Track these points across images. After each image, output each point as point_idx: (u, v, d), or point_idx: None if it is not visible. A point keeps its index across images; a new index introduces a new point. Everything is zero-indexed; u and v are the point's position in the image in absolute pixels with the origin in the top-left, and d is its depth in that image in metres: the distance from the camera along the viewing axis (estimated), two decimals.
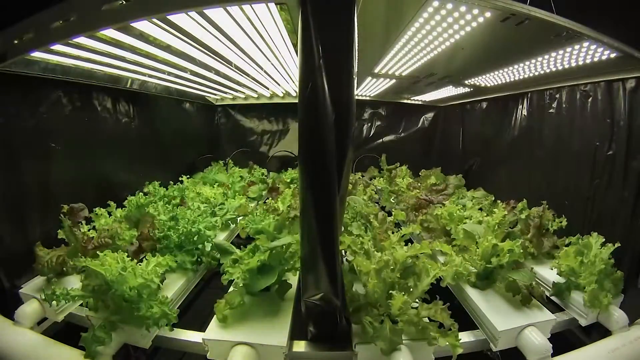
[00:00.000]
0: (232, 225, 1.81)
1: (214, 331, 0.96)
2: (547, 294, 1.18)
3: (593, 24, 1.09)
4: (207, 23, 1.11)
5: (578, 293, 1.13)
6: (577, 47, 1.24)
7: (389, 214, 1.65)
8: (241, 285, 1.04)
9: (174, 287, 1.19)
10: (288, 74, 2.06)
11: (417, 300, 1.00)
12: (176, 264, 1.26)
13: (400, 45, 1.41)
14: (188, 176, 2.44)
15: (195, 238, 1.38)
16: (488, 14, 1.03)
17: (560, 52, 1.31)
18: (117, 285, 0.95)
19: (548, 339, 0.97)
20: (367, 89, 2.60)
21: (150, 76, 1.95)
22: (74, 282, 1.16)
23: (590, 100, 1.57)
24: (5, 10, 1.04)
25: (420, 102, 3.17)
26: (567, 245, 1.31)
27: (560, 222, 1.50)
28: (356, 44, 0.69)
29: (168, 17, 1.02)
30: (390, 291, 0.94)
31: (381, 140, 3.27)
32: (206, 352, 0.94)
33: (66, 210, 1.30)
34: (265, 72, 1.97)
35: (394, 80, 2.15)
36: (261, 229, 1.49)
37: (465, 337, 1.01)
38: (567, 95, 1.71)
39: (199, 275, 1.36)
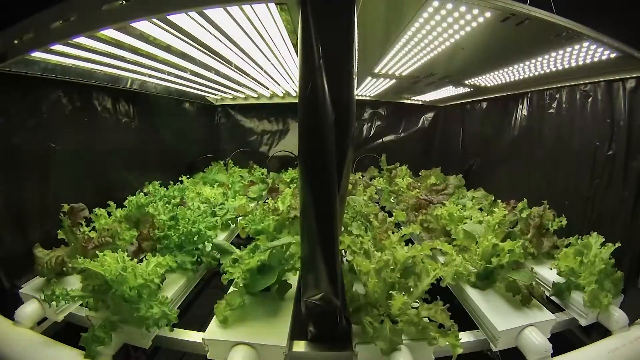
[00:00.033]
0: (232, 225, 1.81)
1: (213, 331, 0.96)
2: (547, 294, 1.18)
3: (593, 24, 1.09)
4: (207, 23, 1.11)
5: (578, 293, 1.13)
6: (577, 47, 1.24)
7: (390, 214, 1.65)
8: (241, 285, 1.04)
9: (174, 287, 1.19)
10: (288, 74, 2.06)
11: (417, 300, 1.00)
12: (176, 264, 1.26)
13: (400, 45, 1.41)
14: (188, 176, 2.44)
15: (195, 238, 1.38)
16: (488, 14, 1.03)
17: (560, 52, 1.31)
18: (117, 285, 0.95)
19: (548, 339, 0.97)
20: (367, 89, 2.60)
21: (150, 76, 1.95)
22: (74, 282, 1.16)
23: (590, 100, 1.57)
24: (5, 10, 1.04)
25: (420, 102, 3.17)
26: (566, 246, 1.31)
27: (560, 221, 1.50)
28: (356, 44, 0.69)
29: (168, 17, 1.02)
30: (390, 291, 0.94)
31: (381, 140, 3.27)
32: (206, 352, 0.94)
33: (66, 209, 1.30)
34: (265, 72, 1.97)
35: (394, 80, 2.15)
36: (261, 229, 1.49)
37: (465, 337, 1.01)
38: (567, 95, 1.71)
39: (199, 275, 1.36)
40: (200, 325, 1.01)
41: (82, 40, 1.18)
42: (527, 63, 1.54)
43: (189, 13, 1.00)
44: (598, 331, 1.14)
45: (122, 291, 0.95)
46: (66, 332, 1.07)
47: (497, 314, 1.05)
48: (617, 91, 1.42)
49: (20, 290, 1.13)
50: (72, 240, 1.24)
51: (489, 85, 2.12)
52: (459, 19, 1.09)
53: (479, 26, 1.11)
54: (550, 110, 1.82)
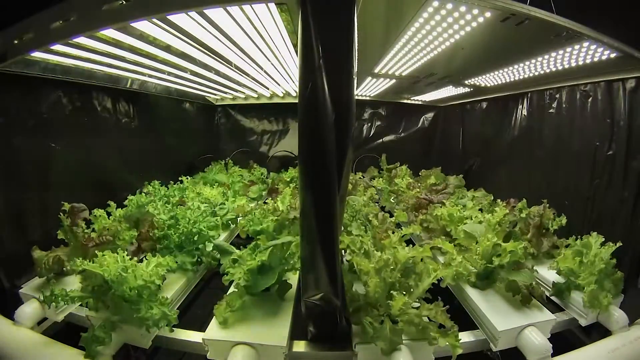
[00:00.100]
0: (232, 226, 1.81)
1: (214, 331, 0.96)
2: (547, 294, 1.18)
3: (593, 24, 1.09)
4: (207, 23, 1.11)
5: (578, 293, 1.13)
6: (577, 47, 1.24)
7: (390, 214, 1.65)
8: (242, 286, 1.04)
9: (174, 288, 1.19)
10: (288, 74, 2.06)
11: (417, 300, 1.00)
12: (176, 265, 1.26)
13: (400, 45, 1.41)
14: (187, 177, 2.43)
15: (195, 238, 1.38)
16: (488, 14, 1.03)
17: (560, 52, 1.31)
18: (117, 285, 0.95)
19: (548, 339, 0.97)
20: (367, 89, 2.60)
21: (150, 76, 1.95)
22: (73, 282, 1.15)
23: (590, 100, 1.57)
24: (5, 10, 1.04)
25: (420, 102, 3.17)
26: (566, 247, 1.31)
27: (560, 221, 1.50)
28: (356, 44, 0.69)
29: (168, 17, 1.02)
30: (391, 291, 0.94)
31: (381, 140, 3.27)
32: (206, 352, 0.94)
33: (67, 208, 1.30)
34: (265, 72, 1.97)
35: (394, 80, 2.15)
36: (261, 229, 1.49)
37: (465, 337, 1.01)
38: (567, 95, 1.71)
39: (199, 276, 1.36)
40: (200, 325, 1.01)
41: (82, 40, 1.18)
42: (527, 63, 1.54)
43: (189, 13, 1.00)
44: (598, 331, 1.14)
45: (122, 291, 0.95)
46: (66, 332, 1.07)
47: (497, 314, 1.05)
48: (617, 91, 1.42)
49: (20, 290, 1.13)
50: (72, 240, 1.24)
51: (489, 85, 2.12)
52: (459, 19, 1.09)
53: (479, 26, 1.11)
54: (550, 110, 1.82)
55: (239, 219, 1.77)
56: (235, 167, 2.97)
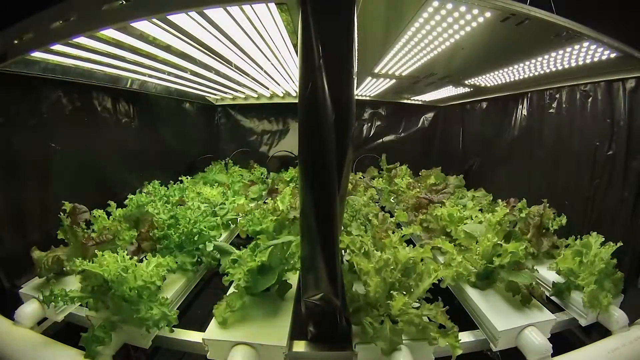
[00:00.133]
0: (232, 226, 1.81)
1: (213, 331, 0.96)
2: (547, 294, 1.18)
3: (593, 24, 1.09)
4: (207, 23, 1.11)
5: (578, 293, 1.13)
6: (577, 47, 1.24)
7: (390, 214, 1.65)
8: (242, 286, 1.04)
9: (174, 288, 1.19)
10: (288, 74, 2.06)
11: (417, 300, 1.00)
12: (176, 265, 1.26)
13: (400, 45, 1.41)
14: (187, 177, 2.43)
15: (196, 238, 1.37)
16: (488, 14, 1.03)
17: (560, 52, 1.31)
18: (117, 285, 0.94)
19: (548, 339, 0.97)
20: (367, 89, 2.60)
21: (150, 76, 1.95)
22: (73, 282, 1.15)
23: (590, 100, 1.57)
24: (5, 10, 1.04)
25: (420, 102, 3.17)
26: (565, 247, 1.31)
27: (560, 220, 1.50)
28: (356, 44, 0.69)
29: (168, 17, 1.02)
30: (391, 291, 0.94)
31: (381, 140, 3.27)
32: (206, 352, 0.94)
33: (68, 208, 1.30)
34: (265, 72, 1.97)
35: (394, 80, 2.15)
36: (260, 229, 1.49)
37: (465, 337, 1.01)
38: (567, 95, 1.71)
39: (199, 276, 1.36)
40: (200, 325, 1.01)
41: (82, 40, 1.18)
42: (527, 63, 1.54)
43: (189, 13, 1.00)
44: (598, 331, 1.14)
45: (122, 292, 0.95)
46: (66, 332, 1.07)
47: (497, 314, 1.05)
48: (617, 91, 1.42)
49: (20, 290, 1.13)
50: (72, 240, 1.24)
51: (489, 85, 2.12)
52: (459, 19, 1.09)
53: (479, 26, 1.11)
54: (550, 110, 1.82)
55: (239, 219, 1.77)
56: (235, 167, 2.97)
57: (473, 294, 1.16)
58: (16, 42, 1.05)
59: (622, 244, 1.15)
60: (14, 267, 1.21)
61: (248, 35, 1.27)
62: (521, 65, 1.59)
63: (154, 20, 1.05)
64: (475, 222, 1.47)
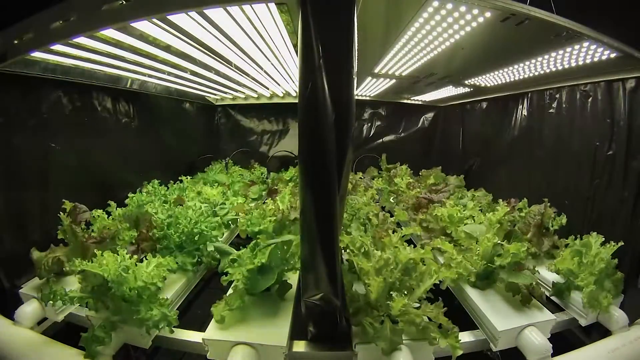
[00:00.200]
0: (232, 226, 1.81)
1: (214, 331, 0.96)
2: (547, 294, 1.18)
3: (593, 24, 1.09)
4: (207, 23, 1.11)
5: (578, 293, 1.13)
6: (577, 47, 1.24)
7: (390, 214, 1.65)
8: (241, 287, 1.04)
9: (174, 288, 1.19)
10: (288, 74, 2.06)
11: (417, 300, 1.00)
12: (177, 266, 1.26)
13: (400, 45, 1.41)
14: (187, 177, 2.43)
15: (196, 238, 1.37)
16: (488, 14, 1.03)
17: (560, 52, 1.31)
18: (117, 285, 0.94)
19: (548, 339, 0.97)
20: (367, 89, 2.60)
21: (150, 76, 1.95)
22: (73, 282, 1.15)
23: (590, 100, 1.57)
24: (5, 10, 1.04)
25: (420, 102, 3.17)
26: (565, 246, 1.31)
27: (561, 220, 1.50)
28: (356, 44, 0.69)
29: (168, 17, 1.02)
30: (391, 292, 0.94)
31: (381, 140, 3.27)
32: (206, 352, 0.94)
33: (68, 207, 1.29)
34: (265, 72, 1.97)
35: (394, 80, 2.15)
36: (259, 230, 1.49)
37: (465, 337, 1.01)
38: (567, 95, 1.71)
39: (199, 276, 1.36)
40: (200, 325, 1.01)
41: (82, 40, 1.18)
42: (527, 63, 1.54)
43: (189, 13, 1.00)
44: (598, 331, 1.14)
45: (121, 292, 0.95)
46: (66, 332, 1.07)
47: (497, 314, 1.05)
48: (617, 91, 1.42)
49: (20, 290, 1.13)
50: (72, 240, 1.24)
51: (489, 85, 2.12)
52: (459, 19, 1.09)
53: (479, 26, 1.11)
54: (550, 110, 1.82)
55: (239, 219, 1.77)
56: (236, 167, 2.97)
57: (473, 294, 1.16)
58: (16, 42, 1.05)
59: (622, 244, 1.15)
60: (14, 267, 1.20)
61: (248, 35, 1.27)
62: (521, 65, 1.59)
63: (154, 20, 1.05)
64: (476, 223, 1.47)
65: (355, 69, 0.70)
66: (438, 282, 1.06)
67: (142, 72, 1.79)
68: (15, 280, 1.19)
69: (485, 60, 1.61)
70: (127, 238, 1.34)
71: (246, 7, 0.98)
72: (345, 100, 0.70)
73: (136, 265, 1.01)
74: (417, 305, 0.97)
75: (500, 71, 1.77)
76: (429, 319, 0.94)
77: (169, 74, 1.88)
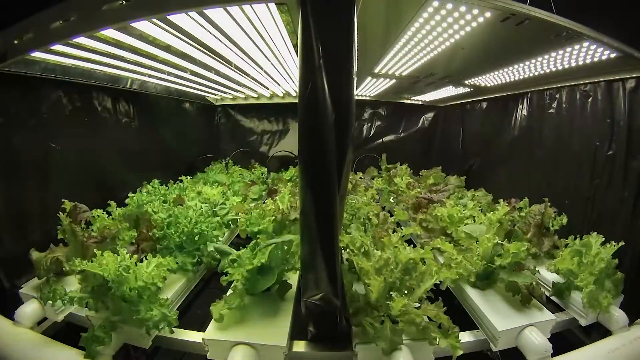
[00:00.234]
0: (232, 226, 1.80)
1: (214, 331, 0.96)
2: (547, 294, 1.18)
3: (593, 24, 1.09)
4: (207, 23, 1.11)
5: (578, 293, 1.13)
6: (577, 47, 1.24)
7: (390, 214, 1.64)
8: (240, 287, 1.04)
9: (174, 288, 1.19)
10: (288, 74, 2.06)
11: (418, 300, 1.00)
12: (177, 266, 1.26)
13: (400, 45, 1.41)
14: (187, 177, 2.43)
15: (196, 238, 1.37)
16: (488, 14, 1.03)
17: (560, 52, 1.31)
18: (117, 285, 0.94)
19: (548, 339, 0.97)
20: (367, 89, 2.60)
21: (150, 76, 1.95)
22: (74, 282, 1.15)
23: (590, 100, 1.57)
24: (5, 10, 1.04)
25: (420, 102, 3.17)
26: (565, 246, 1.31)
27: (561, 220, 1.50)
28: (356, 44, 0.69)
29: (168, 17, 1.02)
30: (391, 292, 0.94)
31: (381, 140, 3.27)
32: (206, 352, 0.94)
33: (68, 207, 1.29)
34: (265, 72, 1.97)
35: (394, 80, 2.15)
36: (259, 230, 1.49)
37: (465, 337, 1.01)
38: (567, 95, 1.71)
39: (199, 276, 1.36)
40: (200, 325, 1.01)
41: (82, 40, 1.18)
42: (527, 63, 1.54)
43: (189, 13, 1.00)
44: (598, 331, 1.14)
45: (121, 292, 0.95)
46: (66, 332, 1.07)
47: (497, 314, 1.05)
48: (617, 91, 1.42)
49: (20, 290, 1.13)
50: (71, 240, 1.24)
51: (489, 85, 2.12)
52: (459, 19, 1.09)
53: (479, 26, 1.11)
54: (550, 110, 1.82)
55: (239, 219, 1.77)
56: (236, 167, 2.97)
57: (473, 294, 1.16)
58: (16, 42, 1.05)
59: (622, 244, 1.15)
60: (14, 267, 1.20)
61: (248, 35, 1.27)
62: (521, 65, 1.59)
63: (154, 20, 1.05)
64: (476, 223, 1.46)
65: (355, 69, 0.70)
66: (438, 282, 1.05)
67: (142, 72, 1.79)
68: (15, 280, 1.19)
69: (485, 60, 1.62)
70: (127, 238, 1.34)
71: (246, 7, 0.98)
72: (345, 100, 0.70)
73: (136, 265, 1.01)
74: (417, 305, 0.97)
75: (500, 71, 1.77)
76: (429, 318, 0.94)
77: (169, 74, 1.88)
